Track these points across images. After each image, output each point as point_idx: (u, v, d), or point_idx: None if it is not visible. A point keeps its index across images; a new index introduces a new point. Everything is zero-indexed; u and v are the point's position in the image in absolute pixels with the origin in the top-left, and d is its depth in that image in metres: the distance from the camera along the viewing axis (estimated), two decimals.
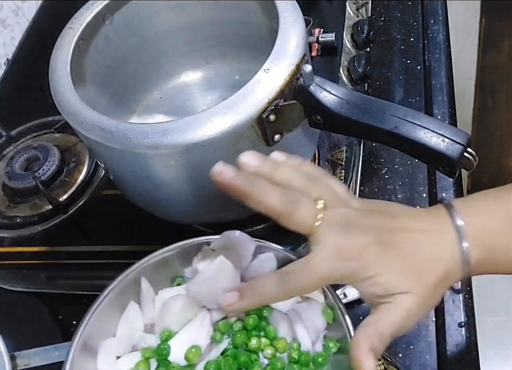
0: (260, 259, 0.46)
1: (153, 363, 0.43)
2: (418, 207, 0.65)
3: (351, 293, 0.56)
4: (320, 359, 0.42)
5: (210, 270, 0.44)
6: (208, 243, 0.47)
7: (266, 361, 0.43)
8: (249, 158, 0.41)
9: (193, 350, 0.42)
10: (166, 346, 0.43)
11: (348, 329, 0.41)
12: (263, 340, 0.43)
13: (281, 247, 0.46)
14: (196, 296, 0.44)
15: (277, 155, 0.43)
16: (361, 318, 0.58)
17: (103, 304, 0.44)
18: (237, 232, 0.45)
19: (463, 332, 0.56)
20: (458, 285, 0.40)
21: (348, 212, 0.40)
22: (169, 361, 0.43)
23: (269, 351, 0.43)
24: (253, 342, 0.43)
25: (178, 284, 0.48)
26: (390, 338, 0.38)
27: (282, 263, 0.44)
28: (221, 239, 0.46)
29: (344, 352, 0.42)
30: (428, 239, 0.39)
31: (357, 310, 0.58)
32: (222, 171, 0.39)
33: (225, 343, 0.44)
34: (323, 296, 0.44)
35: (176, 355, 0.43)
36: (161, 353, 0.43)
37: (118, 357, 0.45)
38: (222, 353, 0.44)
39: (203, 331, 0.44)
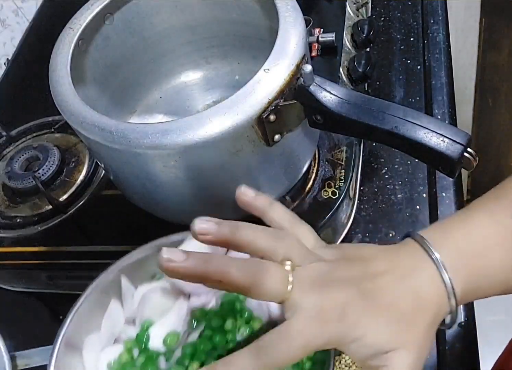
0: (232, 253, 0.46)
1: (136, 354, 0.44)
2: (418, 207, 0.65)
3: None
4: None
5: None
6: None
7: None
8: (205, 225, 0.37)
9: (171, 336, 0.43)
10: (146, 334, 0.44)
11: None
12: (239, 321, 0.44)
13: None
14: (174, 279, 0.44)
15: (245, 191, 0.41)
16: None
17: (85, 303, 0.45)
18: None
19: (463, 332, 0.56)
20: (447, 320, 0.38)
21: (319, 267, 0.37)
22: (149, 348, 0.44)
23: (244, 330, 0.43)
24: (228, 323, 0.43)
25: (158, 279, 0.49)
26: None
27: None
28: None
29: None
30: (411, 282, 0.36)
31: None
32: (169, 258, 0.35)
33: (201, 329, 0.44)
34: None
35: (156, 342, 0.44)
36: (140, 340, 0.44)
37: None
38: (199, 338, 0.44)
39: (181, 318, 0.44)
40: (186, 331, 0.45)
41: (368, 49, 0.79)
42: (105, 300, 0.47)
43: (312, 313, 0.34)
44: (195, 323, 0.45)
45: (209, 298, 0.46)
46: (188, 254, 0.35)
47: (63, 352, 0.43)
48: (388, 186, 0.68)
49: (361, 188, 0.67)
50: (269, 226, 0.40)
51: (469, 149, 0.46)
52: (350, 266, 0.37)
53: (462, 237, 0.38)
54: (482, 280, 0.38)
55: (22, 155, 0.74)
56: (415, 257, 0.37)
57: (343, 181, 0.64)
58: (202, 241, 0.37)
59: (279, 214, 0.40)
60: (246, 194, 0.41)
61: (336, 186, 0.64)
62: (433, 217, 0.64)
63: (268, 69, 0.49)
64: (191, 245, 0.44)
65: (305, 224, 0.41)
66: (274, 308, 0.45)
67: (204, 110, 0.48)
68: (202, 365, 0.41)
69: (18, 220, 0.70)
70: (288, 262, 0.36)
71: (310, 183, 0.64)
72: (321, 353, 0.40)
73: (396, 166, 0.69)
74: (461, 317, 0.57)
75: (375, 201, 0.66)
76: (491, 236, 0.38)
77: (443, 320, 0.38)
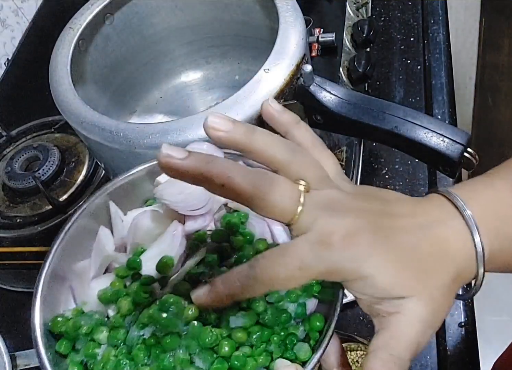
0: None
1: (128, 282, 0.41)
2: None
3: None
4: None
5: None
6: None
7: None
8: (218, 121, 0.32)
9: (165, 260, 0.40)
10: (137, 260, 0.41)
11: None
12: (242, 241, 0.41)
13: None
14: (167, 199, 0.41)
15: (272, 104, 0.36)
16: (361, 318, 0.58)
17: (70, 231, 0.42)
18: (205, 144, 0.41)
19: (463, 332, 0.56)
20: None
21: (336, 194, 0.33)
22: (141, 274, 0.41)
23: (250, 249, 0.40)
24: (237, 238, 0.40)
25: (149, 206, 0.45)
26: (410, 361, 0.30)
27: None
28: None
29: None
30: (435, 231, 0.32)
31: (358, 309, 0.58)
32: (169, 153, 0.30)
33: (201, 253, 0.41)
34: None
35: (148, 268, 0.40)
36: (132, 266, 0.40)
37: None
38: (197, 264, 0.41)
39: (175, 242, 0.41)
40: (182, 255, 0.41)
41: (368, 49, 0.79)
42: (93, 226, 0.44)
43: (316, 236, 0.30)
44: (194, 245, 0.41)
45: (206, 221, 0.42)
46: (191, 152, 0.31)
47: (49, 284, 0.40)
48: (388, 186, 0.68)
49: None
50: None
51: (469, 149, 0.46)
52: (370, 202, 0.33)
53: (490, 198, 0.34)
54: (508, 247, 0.34)
55: (22, 155, 0.74)
56: (443, 210, 0.33)
57: None
58: (212, 137, 0.33)
59: (304, 134, 0.36)
60: (273, 107, 0.37)
61: None
62: None
63: (268, 69, 0.49)
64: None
65: (329, 152, 0.36)
66: (277, 229, 0.41)
67: (204, 110, 0.48)
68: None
69: (18, 220, 0.70)
70: (303, 182, 0.32)
71: None
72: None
73: (396, 166, 0.69)
74: (461, 317, 0.57)
75: None
76: None
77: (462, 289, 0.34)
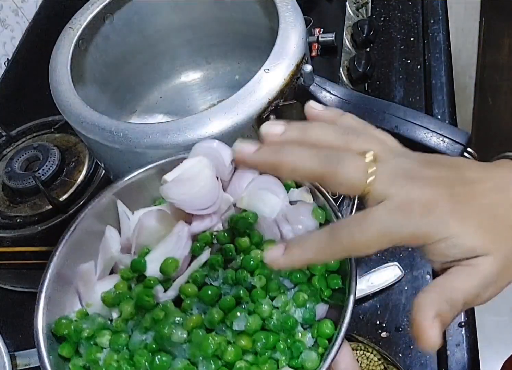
0: (240, 172, 0.43)
1: (133, 285, 0.41)
2: None
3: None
4: None
5: (187, 170, 0.40)
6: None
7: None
8: (272, 127, 0.34)
9: (169, 261, 0.39)
10: (142, 261, 0.40)
11: None
12: (249, 244, 0.40)
13: None
14: (173, 198, 0.41)
15: (313, 105, 0.38)
16: (361, 317, 0.58)
17: (76, 231, 0.42)
18: (215, 142, 0.42)
19: (463, 332, 0.56)
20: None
21: (406, 162, 0.33)
22: (146, 276, 0.40)
23: (257, 251, 0.40)
24: (242, 240, 0.40)
25: (158, 205, 0.45)
26: (462, 306, 0.31)
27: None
28: (198, 149, 0.42)
29: None
30: (508, 194, 0.32)
31: (357, 308, 0.58)
32: (241, 148, 0.33)
33: (206, 255, 0.40)
34: (311, 197, 0.42)
35: (153, 270, 0.40)
36: (136, 268, 0.40)
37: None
38: (203, 266, 0.40)
39: (181, 243, 0.40)
40: (187, 257, 0.41)
41: (368, 49, 0.79)
42: (99, 227, 0.43)
43: (395, 204, 0.31)
44: (198, 247, 0.40)
45: (214, 221, 0.42)
46: (260, 146, 0.33)
47: (53, 285, 0.39)
48: None
49: None
50: None
51: (469, 149, 0.46)
52: (441, 169, 0.33)
53: None
54: None
55: (22, 155, 0.74)
56: None
57: None
58: (271, 144, 0.34)
59: (352, 121, 0.37)
60: (314, 107, 0.38)
61: None
62: None
63: (268, 69, 0.49)
64: (190, 162, 0.40)
65: (381, 130, 0.37)
66: (287, 230, 0.41)
67: (204, 110, 0.48)
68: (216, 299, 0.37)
69: (18, 220, 0.70)
70: (370, 153, 0.32)
71: None
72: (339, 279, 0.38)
73: None
74: (461, 317, 0.57)
75: None
76: None
77: None
